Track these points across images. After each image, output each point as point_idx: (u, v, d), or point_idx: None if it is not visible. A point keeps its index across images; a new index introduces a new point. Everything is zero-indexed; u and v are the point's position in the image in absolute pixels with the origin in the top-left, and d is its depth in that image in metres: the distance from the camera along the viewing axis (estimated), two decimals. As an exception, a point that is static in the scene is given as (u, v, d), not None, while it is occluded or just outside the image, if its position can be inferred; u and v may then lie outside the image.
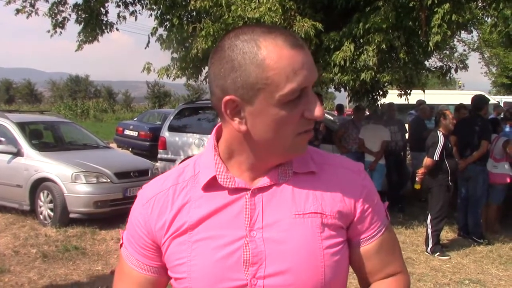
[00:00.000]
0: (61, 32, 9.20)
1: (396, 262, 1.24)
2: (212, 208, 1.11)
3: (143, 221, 1.18)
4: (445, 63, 10.02)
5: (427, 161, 6.42)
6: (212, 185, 1.13)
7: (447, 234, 7.33)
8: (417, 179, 6.63)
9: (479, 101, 7.30)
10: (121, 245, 1.28)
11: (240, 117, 1.06)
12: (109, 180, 7.60)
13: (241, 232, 1.09)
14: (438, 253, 6.34)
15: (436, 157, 6.28)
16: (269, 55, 1.01)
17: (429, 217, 6.49)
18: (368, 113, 9.62)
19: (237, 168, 1.14)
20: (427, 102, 10.95)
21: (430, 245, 6.40)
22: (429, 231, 6.45)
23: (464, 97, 13.56)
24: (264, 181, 1.12)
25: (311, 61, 1.04)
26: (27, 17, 9.06)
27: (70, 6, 8.97)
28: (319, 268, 1.09)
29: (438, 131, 6.41)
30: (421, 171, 6.52)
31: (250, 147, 1.10)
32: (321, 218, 1.11)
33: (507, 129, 7.91)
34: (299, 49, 1.02)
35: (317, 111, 1.05)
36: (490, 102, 8.55)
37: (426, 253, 6.43)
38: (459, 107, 8.32)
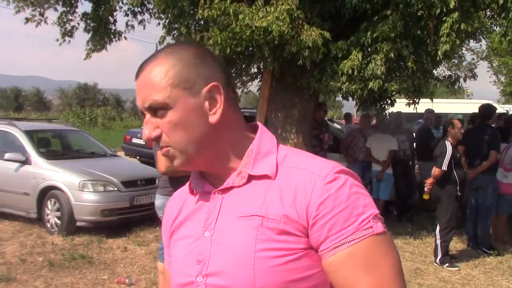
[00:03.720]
0: (69, 40, 9.25)
1: (376, 282, 1.04)
2: (190, 210, 1.23)
3: (163, 222, 1.35)
4: (453, 72, 9.97)
5: (435, 171, 6.38)
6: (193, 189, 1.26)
7: (456, 244, 7.26)
8: (425, 189, 6.58)
9: (487, 110, 7.25)
10: None
11: None
12: (116, 189, 7.60)
13: (200, 232, 1.17)
14: (447, 264, 6.28)
15: (444, 167, 6.23)
16: None
17: (437, 227, 6.44)
18: (375, 122, 9.58)
19: (210, 173, 1.23)
20: (435, 111, 10.89)
21: (439, 256, 6.34)
22: (438, 241, 6.39)
23: (472, 106, 13.48)
24: (223, 184, 1.17)
25: (140, 88, 1.14)
26: (36, 26, 9.12)
27: (79, 15, 9.02)
28: (249, 272, 1.06)
29: (446, 141, 6.37)
30: (429, 181, 6.48)
31: None
32: (262, 221, 1.08)
33: None
34: (136, 78, 1.16)
35: (142, 134, 1.15)
36: (499, 111, 8.46)
37: (435, 264, 6.36)
38: (474, 117, 8.27)
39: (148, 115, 1.13)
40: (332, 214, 1.05)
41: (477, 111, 7.62)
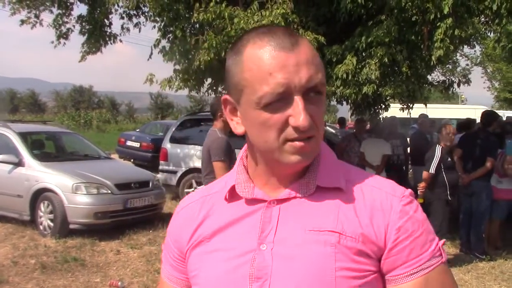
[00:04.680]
0: (65, 43, 9.25)
1: None
2: (230, 219, 1.08)
3: (174, 229, 1.19)
4: (447, 77, 10.00)
5: (423, 174, 6.53)
6: (234, 195, 1.10)
7: (449, 249, 7.27)
8: (419, 192, 6.62)
9: (488, 117, 7.28)
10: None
11: (237, 117, 1.06)
12: (109, 191, 7.58)
13: (252, 245, 1.03)
14: (439, 269, 6.28)
15: (432, 170, 6.34)
16: (248, 56, 0.98)
17: None
18: (369, 127, 9.60)
19: (259, 178, 1.08)
20: (429, 116, 10.93)
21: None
22: None
23: (466, 112, 13.56)
24: (284, 193, 1.05)
25: (302, 64, 0.95)
26: (32, 28, 9.11)
27: (74, 17, 9.03)
28: None
29: (437, 145, 6.45)
30: (422, 185, 6.53)
31: (256, 153, 1.07)
32: (339, 237, 0.99)
33: (509, 143, 7.86)
34: (286, 51, 0.95)
35: (301, 120, 0.94)
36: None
37: (427, 268, 6.36)
38: (463, 123, 8.32)
39: (301, 98, 0.95)
40: (411, 238, 1.01)
41: (470, 116, 7.67)
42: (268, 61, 0.95)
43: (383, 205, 1.02)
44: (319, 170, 1.06)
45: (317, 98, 0.98)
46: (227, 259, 1.04)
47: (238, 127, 1.06)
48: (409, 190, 1.08)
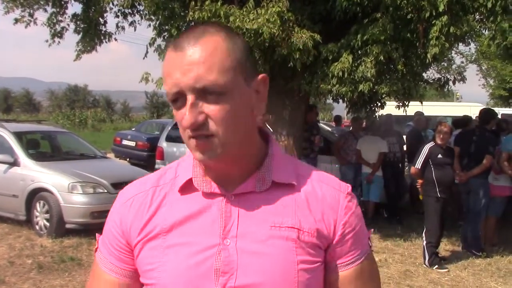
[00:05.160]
0: (59, 41, 9.21)
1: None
2: (187, 213, 1.08)
3: (119, 220, 1.15)
4: (443, 75, 9.99)
5: (411, 169, 6.73)
6: (189, 188, 1.10)
7: (446, 246, 7.30)
8: (419, 189, 6.68)
9: (486, 115, 7.31)
10: (96, 250, 1.23)
11: None
12: (106, 191, 7.56)
13: (215, 240, 1.05)
14: (436, 266, 6.31)
15: (418, 165, 6.43)
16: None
17: (424, 229, 6.51)
18: (365, 124, 9.62)
19: (212, 172, 1.10)
20: (425, 114, 10.96)
21: (427, 258, 6.37)
22: (424, 243, 6.45)
23: (461, 109, 13.59)
24: (241, 187, 1.07)
25: (193, 64, 0.97)
26: (26, 27, 9.07)
27: (69, 16, 8.99)
28: (293, 284, 1.04)
29: (430, 142, 6.55)
30: (420, 181, 6.57)
31: None
32: (298, 233, 1.06)
33: (504, 140, 7.88)
34: (180, 51, 0.98)
35: (184, 120, 0.98)
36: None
37: (424, 265, 6.39)
38: (458, 120, 8.34)
39: (192, 97, 0.97)
40: (354, 232, 1.12)
41: (466, 113, 7.68)
42: (167, 62, 1.01)
43: (332, 201, 1.11)
44: (273, 165, 1.10)
45: (217, 98, 0.98)
46: (190, 254, 1.05)
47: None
48: (350, 186, 1.18)
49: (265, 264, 1.03)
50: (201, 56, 0.97)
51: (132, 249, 1.13)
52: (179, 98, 0.99)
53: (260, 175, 1.08)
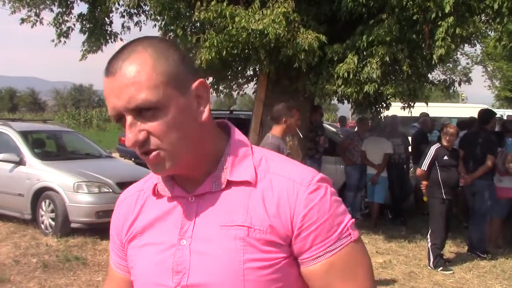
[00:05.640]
0: (65, 41, 9.24)
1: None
2: (156, 215, 1.14)
3: (114, 222, 1.25)
4: (448, 76, 10.01)
5: (417, 171, 6.69)
6: (159, 192, 1.16)
7: (450, 248, 7.28)
8: (423, 191, 6.66)
9: (485, 115, 7.29)
10: None
11: None
12: (111, 190, 7.58)
13: (174, 240, 1.10)
14: (441, 268, 6.29)
15: (424, 167, 6.40)
16: None
17: (429, 230, 6.50)
18: (370, 125, 9.61)
19: (178, 176, 1.14)
20: (430, 115, 10.93)
21: (432, 260, 6.36)
22: (429, 245, 6.43)
23: (467, 110, 13.54)
24: (200, 188, 1.10)
25: (122, 87, 1.00)
26: (32, 27, 9.10)
27: (75, 16, 9.02)
28: (239, 284, 1.04)
29: (436, 144, 6.52)
30: (424, 183, 6.55)
31: None
32: (248, 231, 1.05)
33: (510, 141, 7.86)
34: (110, 76, 1.02)
35: (126, 140, 1.02)
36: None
37: (429, 267, 6.37)
38: (462, 122, 8.31)
39: (130, 117, 1.01)
40: (316, 225, 1.06)
41: (471, 115, 7.66)
42: (103, 87, 1.05)
43: (289, 195, 1.07)
44: (229, 163, 1.10)
45: (153, 113, 1.01)
46: (155, 253, 1.11)
47: None
48: (319, 176, 1.11)
49: (211, 265, 1.05)
50: (128, 78, 1.00)
51: (124, 249, 1.23)
52: (121, 119, 1.03)
53: (215, 175, 1.10)
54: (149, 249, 1.13)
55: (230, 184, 1.09)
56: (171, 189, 1.13)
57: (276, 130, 4.80)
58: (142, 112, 1.00)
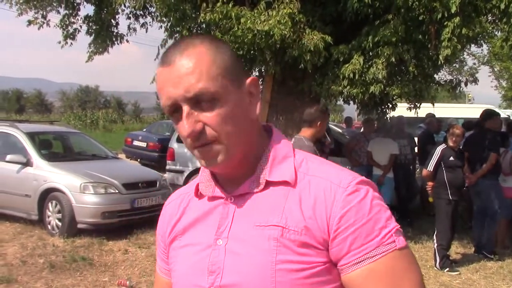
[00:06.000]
0: (71, 43, 9.28)
1: None
2: (196, 216, 1.15)
3: (160, 225, 1.27)
4: (455, 76, 9.97)
5: (423, 171, 6.69)
6: (201, 193, 1.17)
7: (457, 249, 7.25)
8: (429, 192, 6.64)
9: (485, 115, 7.29)
10: None
11: None
12: (117, 191, 7.61)
13: (211, 240, 1.09)
14: (447, 269, 6.27)
15: (430, 168, 6.39)
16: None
17: (435, 231, 6.48)
18: (377, 126, 9.59)
19: (219, 176, 1.15)
20: (436, 116, 10.90)
21: (438, 260, 6.34)
22: (435, 245, 6.41)
23: (473, 111, 13.49)
24: (240, 189, 1.10)
25: (181, 76, 1.01)
26: (39, 28, 9.15)
27: (81, 18, 9.06)
28: (269, 285, 1.01)
29: (442, 144, 6.52)
30: (429, 184, 6.53)
31: None
32: (282, 231, 1.02)
33: None
34: (167, 66, 1.03)
35: (182, 130, 1.02)
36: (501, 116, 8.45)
37: (435, 268, 6.36)
38: (468, 122, 8.30)
39: (187, 107, 1.01)
40: (354, 228, 1.01)
41: (477, 116, 7.63)
42: (158, 78, 1.06)
43: (326, 196, 1.04)
44: (267, 165, 1.10)
45: (210, 104, 1.02)
46: (193, 254, 1.12)
47: None
48: (360, 178, 1.07)
49: (244, 265, 1.04)
50: (188, 67, 1.01)
51: (168, 251, 1.24)
52: (176, 111, 1.04)
53: (255, 175, 1.10)
54: (188, 250, 1.13)
55: (268, 184, 1.09)
56: (212, 189, 1.14)
57: (308, 132, 4.82)
58: (199, 102, 1.01)
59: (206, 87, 1.01)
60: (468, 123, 9.37)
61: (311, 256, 1.02)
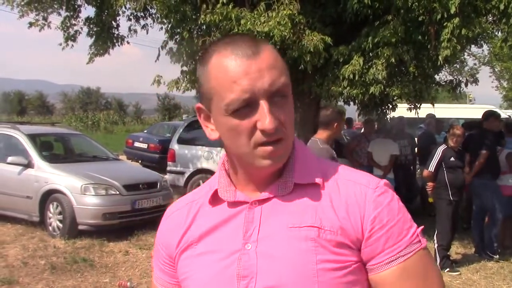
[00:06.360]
0: (72, 45, 9.31)
1: None
2: (215, 222, 1.11)
3: (162, 236, 1.22)
4: (455, 77, 9.96)
5: (424, 172, 6.64)
6: (217, 199, 1.13)
7: (457, 249, 7.25)
8: (428, 192, 6.64)
9: (484, 115, 7.32)
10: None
11: (210, 123, 1.10)
12: (118, 192, 7.62)
13: (237, 246, 1.06)
14: (447, 269, 6.27)
15: (430, 168, 6.38)
16: (213, 65, 1.02)
17: (435, 232, 6.48)
18: (377, 127, 9.60)
19: (239, 181, 1.12)
20: (437, 116, 10.91)
21: (438, 261, 6.34)
22: (435, 246, 6.42)
23: (474, 111, 13.49)
24: (264, 193, 1.08)
25: (264, 70, 0.99)
26: (40, 30, 9.18)
27: (82, 20, 9.10)
28: (312, 285, 1.01)
29: (442, 145, 6.51)
30: (430, 184, 6.53)
31: (232, 157, 1.11)
32: (318, 232, 1.03)
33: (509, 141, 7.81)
34: (248, 58, 0.99)
35: (267, 123, 0.98)
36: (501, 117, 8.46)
37: (435, 268, 6.34)
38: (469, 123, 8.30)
39: (267, 102, 0.99)
40: (387, 227, 1.04)
41: (478, 116, 7.65)
42: (232, 69, 0.99)
43: (357, 197, 1.06)
44: (295, 167, 1.10)
45: (283, 101, 1.02)
46: (216, 261, 1.07)
47: (212, 133, 1.10)
48: (384, 181, 1.11)
49: (282, 267, 1.02)
50: (271, 61, 1.01)
51: (174, 262, 1.18)
52: (245, 106, 0.99)
53: (282, 179, 1.09)
54: (208, 258, 1.09)
55: (297, 187, 1.08)
56: (233, 194, 1.11)
57: (323, 134, 4.81)
58: (274, 98, 1.00)
59: (287, 83, 1.02)
60: (468, 124, 9.37)
61: (346, 255, 1.03)
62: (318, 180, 1.09)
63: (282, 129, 1.01)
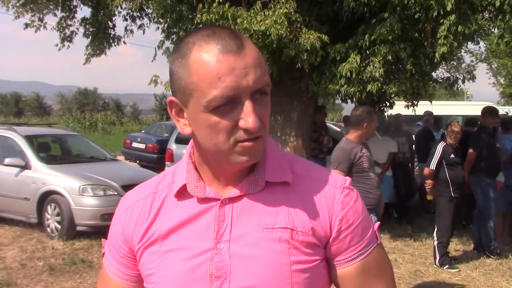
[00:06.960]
0: (69, 45, 9.27)
1: (386, 285, 1.15)
2: (183, 218, 1.08)
3: (122, 228, 1.17)
4: (452, 74, 9.96)
5: (424, 170, 6.65)
6: (184, 194, 1.10)
7: (456, 246, 7.26)
8: (427, 190, 6.64)
9: (481, 111, 7.33)
10: (103, 254, 1.25)
11: (183, 118, 1.06)
12: (116, 193, 7.61)
13: (209, 244, 1.05)
14: (447, 266, 6.28)
15: (432, 166, 6.38)
16: (195, 60, 0.98)
17: (435, 229, 6.48)
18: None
19: (208, 176, 1.10)
20: (434, 113, 10.91)
21: (438, 258, 6.34)
22: (435, 243, 6.41)
23: (472, 108, 13.50)
24: (235, 191, 1.07)
25: (249, 67, 0.96)
26: (36, 31, 9.14)
27: (78, 20, 9.06)
28: (286, 286, 1.03)
29: (441, 142, 6.50)
30: (429, 182, 6.53)
31: (205, 153, 1.07)
32: (291, 233, 1.04)
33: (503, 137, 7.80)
34: (232, 54, 0.96)
35: (251, 122, 0.96)
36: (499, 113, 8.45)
37: (434, 265, 6.36)
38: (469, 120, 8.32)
39: (250, 100, 0.97)
40: (353, 227, 1.09)
41: (476, 113, 7.65)
42: (216, 64, 0.96)
43: (326, 197, 1.09)
44: (266, 165, 1.09)
45: (262, 98, 1.00)
46: (186, 259, 1.06)
47: (185, 128, 1.06)
48: (349, 180, 1.14)
49: (257, 268, 1.03)
50: (255, 58, 0.98)
51: (135, 255, 1.15)
52: (228, 103, 0.97)
53: (253, 176, 1.08)
54: (177, 255, 1.07)
55: (268, 185, 1.08)
56: (203, 190, 1.08)
57: (353, 134, 4.82)
58: (256, 96, 0.98)
59: (269, 82, 1.01)
60: (469, 120, 9.37)
61: (315, 254, 1.07)
62: (288, 179, 1.09)
63: (262, 127, 1.00)
